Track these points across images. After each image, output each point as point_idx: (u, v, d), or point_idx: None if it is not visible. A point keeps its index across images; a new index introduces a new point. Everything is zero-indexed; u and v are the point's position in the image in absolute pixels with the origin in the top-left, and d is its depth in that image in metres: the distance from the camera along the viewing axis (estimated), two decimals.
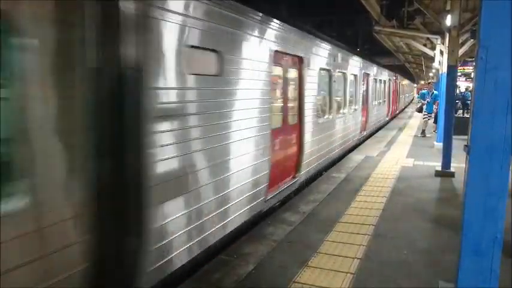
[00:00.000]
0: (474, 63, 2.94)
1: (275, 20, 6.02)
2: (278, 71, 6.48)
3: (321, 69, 8.49)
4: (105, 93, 2.91)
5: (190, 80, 4.01)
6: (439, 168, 8.77)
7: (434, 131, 15.44)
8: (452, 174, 8.53)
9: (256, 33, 5.37)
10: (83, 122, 2.79)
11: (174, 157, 3.73)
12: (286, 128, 6.85)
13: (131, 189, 3.21)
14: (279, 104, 6.62)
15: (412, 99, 52.71)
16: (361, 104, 12.96)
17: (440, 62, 14.07)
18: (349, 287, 3.85)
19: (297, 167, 7.32)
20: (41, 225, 2.57)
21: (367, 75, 14.24)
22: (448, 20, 10.72)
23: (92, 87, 2.80)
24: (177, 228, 3.82)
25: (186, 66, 3.88)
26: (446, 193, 7.40)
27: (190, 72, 3.98)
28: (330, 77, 9.33)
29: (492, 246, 2.88)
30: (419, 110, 17.71)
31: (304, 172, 7.62)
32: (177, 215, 3.81)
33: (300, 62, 7.25)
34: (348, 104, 11.16)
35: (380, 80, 17.83)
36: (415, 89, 60.94)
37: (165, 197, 3.64)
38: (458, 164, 8.45)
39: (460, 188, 6.95)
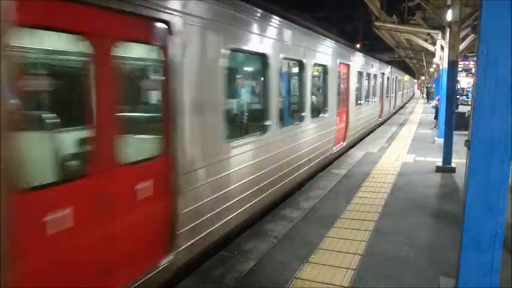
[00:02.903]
0: (475, 58, 2.93)
1: None
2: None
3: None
4: None
5: None
6: (440, 164, 8.77)
7: (435, 127, 15.44)
8: (453, 170, 8.52)
9: None
10: None
11: None
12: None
13: None
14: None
15: (413, 95, 52.74)
16: None
17: (441, 57, 14.05)
18: (350, 283, 3.85)
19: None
20: None
21: None
22: (449, 15, 10.68)
23: None
24: None
25: None
26: (447, 188, 7.38)
27: None
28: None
29: (493, 242, 2.88)
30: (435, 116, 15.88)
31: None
32: None
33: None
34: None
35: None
36: (416, 85, 61.07)
37: None
38: (460, 159, 8.44)
39: (461, 183, 6.94)
